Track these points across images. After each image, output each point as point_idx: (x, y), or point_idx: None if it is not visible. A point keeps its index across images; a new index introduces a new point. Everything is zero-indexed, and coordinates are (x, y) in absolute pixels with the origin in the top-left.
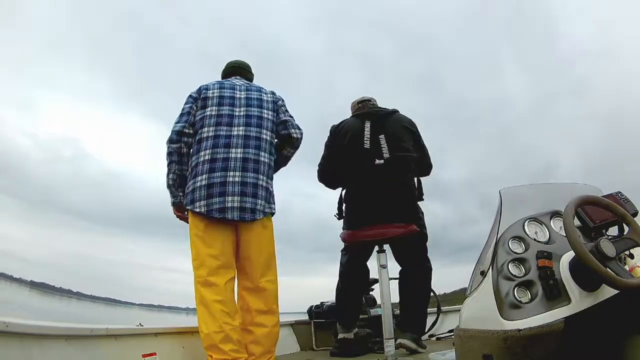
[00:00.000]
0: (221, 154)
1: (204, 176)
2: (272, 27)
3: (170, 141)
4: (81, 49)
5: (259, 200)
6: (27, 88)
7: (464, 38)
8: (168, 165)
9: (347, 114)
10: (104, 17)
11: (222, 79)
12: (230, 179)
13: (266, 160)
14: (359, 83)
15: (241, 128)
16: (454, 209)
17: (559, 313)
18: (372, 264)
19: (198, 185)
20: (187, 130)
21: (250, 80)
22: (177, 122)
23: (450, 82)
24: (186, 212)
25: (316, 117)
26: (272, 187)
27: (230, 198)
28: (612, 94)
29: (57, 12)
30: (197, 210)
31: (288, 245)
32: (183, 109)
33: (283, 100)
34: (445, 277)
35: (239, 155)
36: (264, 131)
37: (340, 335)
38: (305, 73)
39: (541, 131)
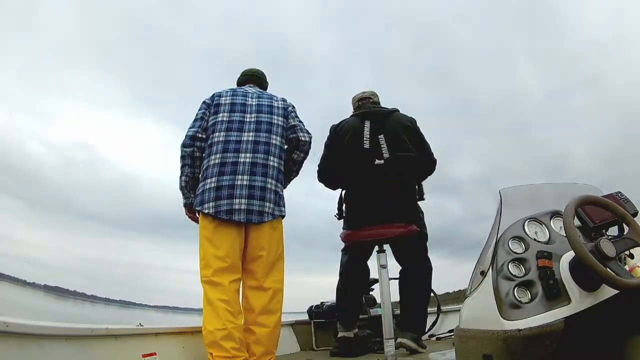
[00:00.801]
0: (230, 158)
1: (213, 179)
2: (283, 27)
3: (184, 145)
4: (93, 55)
5: (267, 203)
6: (40, 95)
7: (474, 32)
8: (181, 168)
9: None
10: (115, 22)
11: (237, 87)
12: (239, 182)
13: (275, 164)
14: (371, 80)
15: (251, 134)
16: (467, 205)
17: (559, 313)
18: (372, 264)
19: (207, 187)
20: (200, 135)
21: (265, 88)
22: (190, 127)
23: (462, 77)
24: (197, 213)
25: (328, 115)
26: (282, 190)
27: (237, 200)
28: (624, 84)
29: (68, 19)
30: (206, 211)
31: (306, 244)
32: (196, 115)
33: (294, 107)
34: (458, 275)
35: (247, 160)
36: (274, 136)
37: (341, 334)
38: (317, 71)
39: (555, 124)
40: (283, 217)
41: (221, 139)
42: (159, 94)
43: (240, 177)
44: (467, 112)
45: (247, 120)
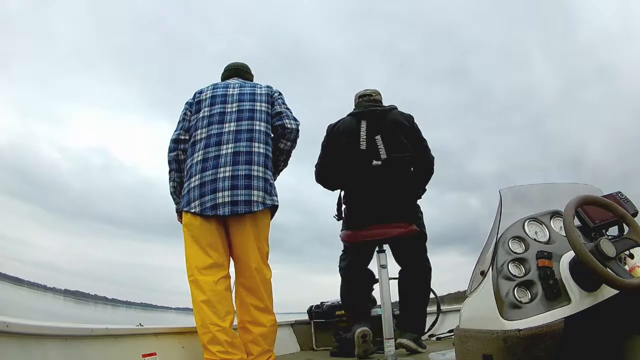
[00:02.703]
0: (212, 152)
1: (197, 176)
2: (297, 27)
3: (169, 150)
4: (107, 60)
5: (254, 192)
6: (55, 101)
7: (486, 27)
8: (169, 174)
9: None
10: (129, 27)
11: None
12: (221, 175)
13: (261, 150)
14: (386, 78)
15: (232, 124)
16: (487, 201)
17: (559, 313)
18: (372, 263)
19: (192, 186)
20: (182, 137)
21: (250, 80)
22: (174, 131)
23: (476, 73)
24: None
25: (344, 114)
26: (271, 178)
27: (221, 194)
28: (637, 76)
29: (82, 25)
30: (193, 210)
31: (329, 245)
32: (179, 117)
33: (280, 94)
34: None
35: (229, 151)
36: (257, 122)
37: (359, 330)
38: (332, 71)
39: (570, 118)
40: (276, 207)
41: (203, 135)
42: (175, 97)
43: (222, 169)
44: (482, 108)
45: (229, 110)
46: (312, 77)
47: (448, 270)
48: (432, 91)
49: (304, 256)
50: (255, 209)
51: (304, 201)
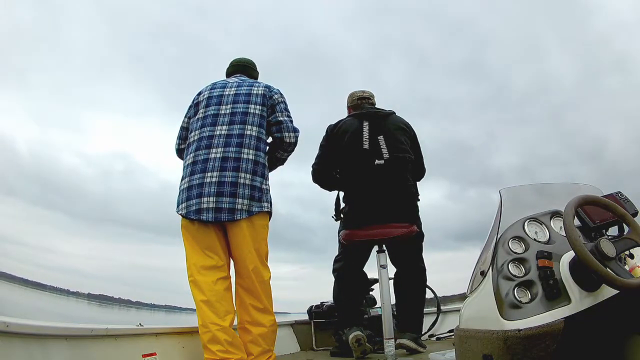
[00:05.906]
0: (202, 155)
1: (186, 179)
2: (313, 27)
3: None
4: (125, 67)
5: (239, 199)
6: (74, 109)
7: (501, 19)
8: None
9: (392, 106)
10: (144, 33)
11: (226, 77)
12: (208, 179)
13: (251, 157)
14: (405, 74)
15: (224, 127)
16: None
17: (559, 313)
18: (372, 262)
19: (181, 188)
20: (182, 147)
21: (254, 78)
22: (176, 140)
23: (493, 66)
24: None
25: None
26: (261, 184)
27: (205, 199)
28: None
29: (97, 34)
30: (180, 212)
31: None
32: (180, 124)
33: (282, 96)
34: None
35: (218, 155)
36: (249, 127)
37: (353, 334)
38: (350, 68)
39: (589, 109)
40: (268, 213)
41: (196, 137)
42: (191, 98)
43: (209, 173)
44: (501, 101)
45: (222, 112)
46: (329, 75)
47: (470, 267)
48: (451, 86)
49: (328, 254)
50: (238, 217)
51: (324, 200)
